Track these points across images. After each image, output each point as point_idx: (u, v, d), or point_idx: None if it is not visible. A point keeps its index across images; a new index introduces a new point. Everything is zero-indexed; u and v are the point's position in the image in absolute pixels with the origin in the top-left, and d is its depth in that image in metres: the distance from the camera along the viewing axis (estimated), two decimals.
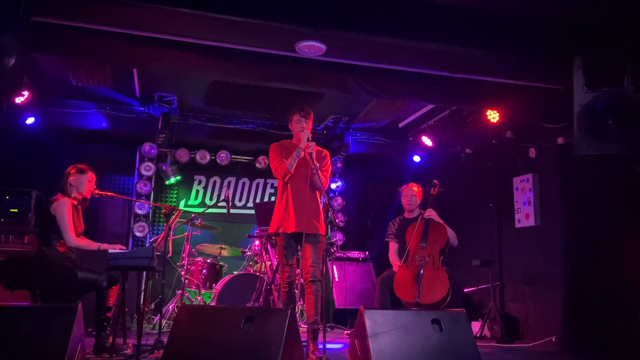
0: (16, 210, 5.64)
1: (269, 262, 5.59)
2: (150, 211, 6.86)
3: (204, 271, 5.90)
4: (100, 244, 4.11)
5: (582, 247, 5.02)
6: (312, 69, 4.65)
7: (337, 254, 6.79)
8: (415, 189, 5.22)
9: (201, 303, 5.74)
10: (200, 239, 6.29)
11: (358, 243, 7.61)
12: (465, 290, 5.46)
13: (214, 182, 7.53)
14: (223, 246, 6.13)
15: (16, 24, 3.27)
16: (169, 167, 6.96)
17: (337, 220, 7.29)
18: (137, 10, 3.67)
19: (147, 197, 6.77)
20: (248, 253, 6.12)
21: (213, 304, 5.49)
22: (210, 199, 7.43)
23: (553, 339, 5.12)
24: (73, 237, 3.97)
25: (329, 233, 6.78)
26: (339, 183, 7.74)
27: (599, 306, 4.71)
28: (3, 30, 3.23)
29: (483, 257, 5.86)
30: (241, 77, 5.16)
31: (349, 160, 7.57)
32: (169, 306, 5.85)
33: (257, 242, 5.94)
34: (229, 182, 7.56)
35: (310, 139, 4.00)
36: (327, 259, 5.69)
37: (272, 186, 7.68)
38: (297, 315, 4.94)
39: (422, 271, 4.58)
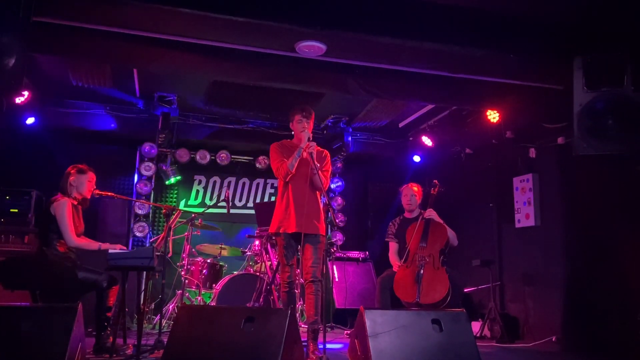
0: (16, 210, 5.65)
1: (269, 262, 5.59)
2: (151, 211, 6.86)
3: (204, 271, 5.90)
4: (100, 243, 4.11)
5: (582, 247, 5.02)
6: (312, 69, 4.64)
7: (337, 254, 6.79)
8: (415, 188, 5.23)
9: (201, 303, 5.74)
10: (200, 239, 6.29)
11: (358, 243, 7.60)
12: (465, 290, 5.46)
13: (214, 182, 7.53)
14: (223, 246, 6.14)
15: (16, 24, 3.27)
16: (169, 167, 6.96)
17: (337, 220, 7.29)
18: (137, 10, 3.67)
19: (147, 197, 6.77)
20: (248, 253, 6.13)
21: (213, 304, 5.49)
22: (211, 199, 7.43)
23: (553, 339, 5.12)
24: (73, 237, 3.97)
25: (329, 233, 6.78)
26: (339, 183, 7.74)
27: (599, 306, 4.71)
28: (3, 30, 3.24)
29: (483, 257, 5.86)
30: (241, 77, 5.16)
31: (349, 160, 7.57)
32: (169, 306, 5.85)
33: (257, 242, 5.94)
34: (229, 182, 7.57)
35: (311, 138, 4.00)
36: (327, 259, 5.68)
37: (272, 186, 7.68)
38: (297, 315, 4.94)
39: (422, 271, 4.58)
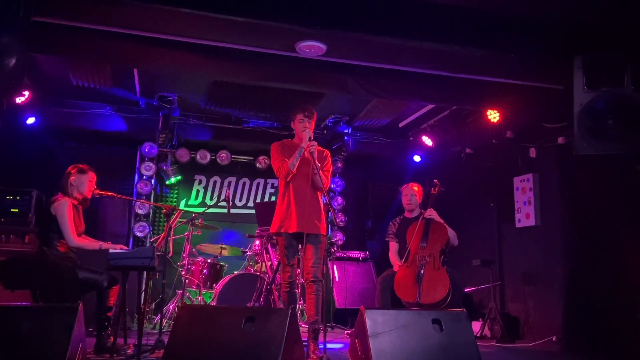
0: (16, 210, 5.65)
1: (270, 262, 5.59)
2: (151, 211, 6.86)
3: (205, 271, 5.90)
4: (101, 243, 4.11)
5: (582, 247, 5.02)
6: (312, 68, 4.65)
7: (338, 254, 6.79)
8: (416, 188, 5.23)
9: (202, 303, 5.75)
10: (200, 238, 6.30)
11: (358, 243, 7.62)
12: (465, 290, 5.46)
13: (215, 182, 7.53)
14: (223, 246, 6.14)
15: (16, 24, 3.28)
16: (170, 167, 6.96)
17: (337, 220, 7.31)
18: (137, 10, 3.68)
19: (148, 197, 6.77)
20: (248, 253, 6.13)
21: (213, 303, 5.50)
22: (211, 198, 7.43)
23: (553, 339, 5.12)
24: (74, 236, 3.97)
25: (329, 233, 6.78)
26: (339, 183, 7.74)
27: (599, 306, 4.71)
28: (3, 30, 3.24)
29: (483, 257, 5.86)
30: (241, 77, 5.17)
31: (349, 160, 7.57)
32: (169, 306, 5.85)
33: (257, 242, 5.94)
34: (230, 182, 7.57)
35: (312, 138, 4.00)
36: (328, 258, 5.69)
37: (272, 186, 7.68)
38: (298, 315, 4.95)
39: (422, 271, 4.58)
